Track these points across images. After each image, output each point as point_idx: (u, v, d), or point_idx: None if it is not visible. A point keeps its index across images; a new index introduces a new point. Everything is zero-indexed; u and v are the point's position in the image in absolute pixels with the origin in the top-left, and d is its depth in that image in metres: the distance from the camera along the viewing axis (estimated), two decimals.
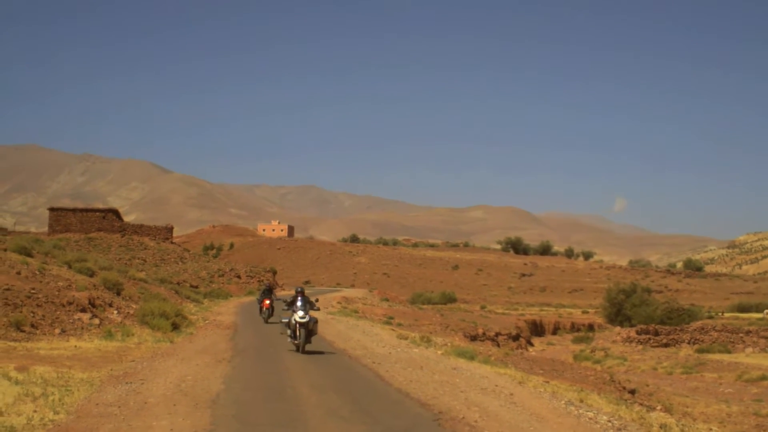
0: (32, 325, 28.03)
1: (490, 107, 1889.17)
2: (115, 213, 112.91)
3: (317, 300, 32.78)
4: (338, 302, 69.59)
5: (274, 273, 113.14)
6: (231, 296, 74.81)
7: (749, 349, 71.70)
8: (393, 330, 43.78)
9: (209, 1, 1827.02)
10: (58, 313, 30.75)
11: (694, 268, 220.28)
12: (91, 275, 43.62)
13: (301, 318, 29.55)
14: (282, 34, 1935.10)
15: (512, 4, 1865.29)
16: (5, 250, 42.48)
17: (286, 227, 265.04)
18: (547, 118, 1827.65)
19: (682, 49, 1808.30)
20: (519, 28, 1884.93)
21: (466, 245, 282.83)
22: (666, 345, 75.45)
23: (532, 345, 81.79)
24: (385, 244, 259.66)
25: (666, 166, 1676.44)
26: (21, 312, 28.44)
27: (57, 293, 33.01)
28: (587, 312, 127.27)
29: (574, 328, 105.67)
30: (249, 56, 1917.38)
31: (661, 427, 17.07)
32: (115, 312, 35.69)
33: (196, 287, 74.86)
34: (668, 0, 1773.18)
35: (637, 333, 78.28)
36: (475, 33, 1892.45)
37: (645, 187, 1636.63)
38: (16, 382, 18.16)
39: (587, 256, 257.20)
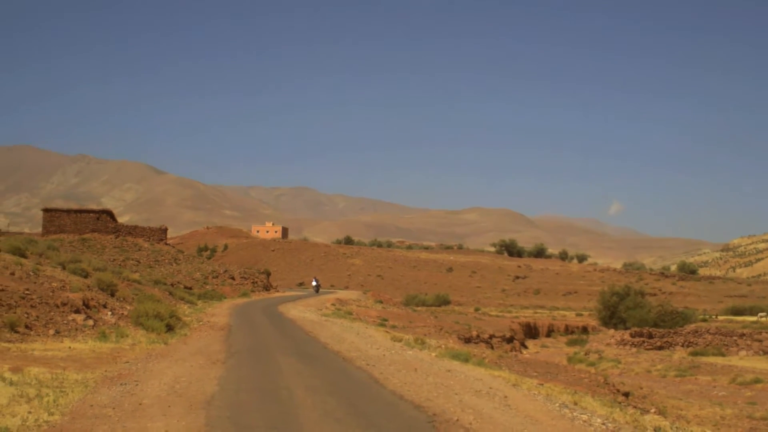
0: (26, 326, 27.99)
1: (486, 110, 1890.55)
2: (109, 214, 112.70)
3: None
4: (332, 304, 69.56)
5: (268, 275, 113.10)
6: (225, 298, 74.68)
7: (743, 352, 71.71)
8: (387, 332, 43.74)
9: (204, 3, 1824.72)
10: (52, 314, 30.72)
11: (687, 271, 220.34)
12: (86, 276, 43.60)
13: None
14: (278, 36, 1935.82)
15: (508, 6, 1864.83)
16: None
17: (280, 229, 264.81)
18: (542, 121, 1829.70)
19: (677, 52, 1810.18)
20: (515, 31, 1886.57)
21: (460, 247, 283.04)
22: (660, 348, 75.43)
23: (526, 347, 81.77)
24: (380, 246, 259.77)
25: (661, 170, 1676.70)
26: (15, 313, 28.41)
27: (51, 294, 32.98)
28: (581, 314, 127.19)
29: (568, 330, 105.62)
30: (244, 58, 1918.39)
31: (655, 430, 17.10)
32: (110, 313, 35.66)
33: (190, 289, 74.73)
34: (664, 2, 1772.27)
35: (631, 336, 78.29)
36: (471, 35, 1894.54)
37: (640, 190, 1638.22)
38: (11, 383, 18.16)
39: (581, 258, 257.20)
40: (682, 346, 76.06)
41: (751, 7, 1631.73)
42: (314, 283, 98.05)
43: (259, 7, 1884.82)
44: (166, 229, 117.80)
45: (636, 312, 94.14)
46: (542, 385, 25.46)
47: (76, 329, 30.34)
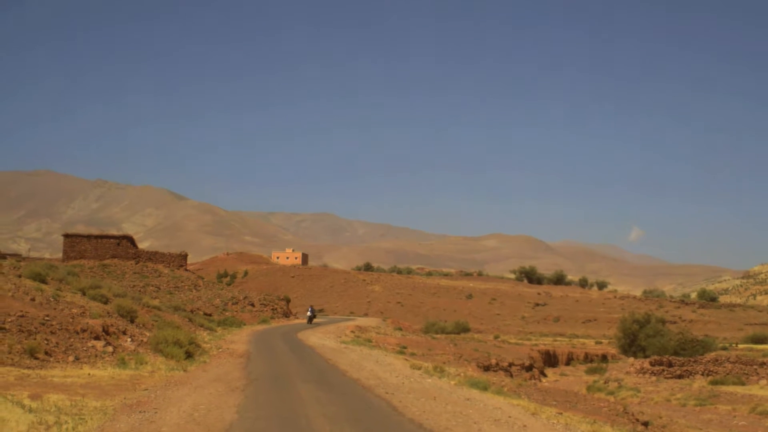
0: (46, 353, 28.07)
1: (506, 135, 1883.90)
2: (130, 240, 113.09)
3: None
4: (352, 331, 69.55)
5: (288, 301, 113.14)
6: (244, 324, 74.76)
7: (763, 381, 71.32)
8: (406, 360, 43.75)
9: (221, 23, 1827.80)
10: (71, 340, 30.81)
11: (708, 299, 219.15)
12: (105, 302, 43.74)
13: None
14: (298, 59, 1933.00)
15: (522, 28, 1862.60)
16: (20, 276, 42.66)
17: (300, 255, 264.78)
18: (562, 147, 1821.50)
19: (698, 78, 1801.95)
20: (533, 54, 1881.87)
21: (479, 274, 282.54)
22: (680, 376, 75.12)
23: (545, 376, 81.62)
24: (399, 272, 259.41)
25: (682, 196, 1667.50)
26: (35, 339, 28.51)
27: (71, 320, 33.08)
28: (601, 342, 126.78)
29: (588, 358, 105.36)
30: (265, 82, 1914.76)
31: None
32: (129, 340, 35.74)
33: (210, 315, 74.88)
34: (683, 25, 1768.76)
35: (651, 364, 77.98)
36: (487, 58, 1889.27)
37: (661, 216, 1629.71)
38: (30, 410, 18.21)
39: (601, 285, 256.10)
40: (702, 374, 75.75)
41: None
42: (309, 313, 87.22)
43: (274, 27, 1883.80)
44: (186, 255, 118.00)
45: (656, 340, 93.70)
46: (561, 414, 25.43)
47: (96, 356, 30.42)
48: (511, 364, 70.08)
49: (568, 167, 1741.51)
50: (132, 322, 41.53)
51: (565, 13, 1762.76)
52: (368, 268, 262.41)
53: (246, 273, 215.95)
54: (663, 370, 75.85)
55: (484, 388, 30.26)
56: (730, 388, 63.25)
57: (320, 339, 57.10)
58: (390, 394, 25.76)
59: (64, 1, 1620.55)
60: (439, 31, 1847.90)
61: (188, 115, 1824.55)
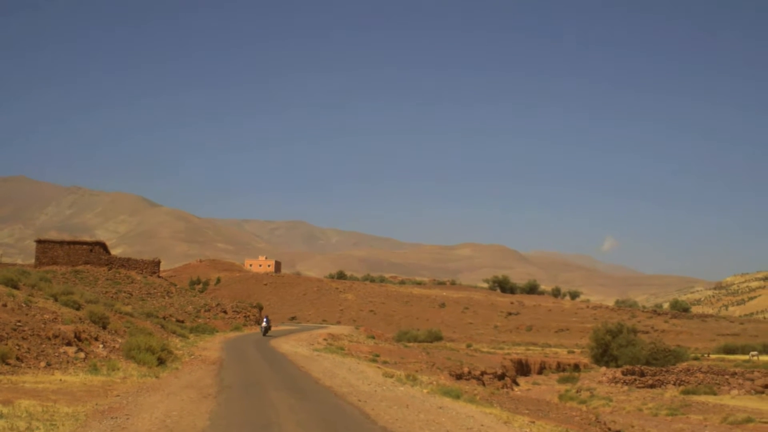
0: (17, 358, 27.93)
1: (480, 144, 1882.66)
2: (103, 246, 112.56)
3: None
4: (324, 339, 69.50)
5: (260, 309, 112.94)
6: (217, 331, 74.63)
7: (735, 391, 71.48)
8: (379, 368, 43.70)
9: (196, 34, 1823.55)
10: (43, 346, 30.67)
11: (680, 309, 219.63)
12: (78, 308, 43.54)
13: None
14: (271, 68, 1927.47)
15: (499, 37, 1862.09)
16: None
17: (273, 263, 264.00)
18: (537, 156, 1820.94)
19: (671, 86, 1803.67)
20: (506, 64, 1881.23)
21: (452, 283, 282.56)
22: (652, 386, 75.23)
23: (517, 384, 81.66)
24: (372, 281, 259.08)
25: (655, 207, 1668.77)
26: (6, 345, 28.34)
27: (43, 326, 32.92)
28: (573, 352, 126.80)
29: (560, 367, 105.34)
30: (239, 90, 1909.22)
31: None
32: (101, 346, 35.61)
33: (182, 322, 74.64)
34: (658, 33, 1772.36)
35: (623, 373, 78.08)
36: (461, 68, 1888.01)
37: (634, 227, 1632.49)
38: (1, 416, 18.13)
39: (574, 295, 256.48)
40: (674, 384, 75.93)
41: (752, 42, 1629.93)
42: (264, 324, 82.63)
43: (249, 38, 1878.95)
44: (158, 262, 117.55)
45: (628, 350, 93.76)
46: (533, 422, 25.46)
47: (68, 362, 30.29)
48: (483, 373, 70.14)
49: (544, 177, 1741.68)
50: (104, 328, 41.36)
51: (542, 18, 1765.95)
52: (341, 276, 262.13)
53: (219, 280, 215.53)
54: (635, 380, 76.00)
55: (457, 396, 30.27)
56: (702, 398, 63.41)
57: (293, 347, 57.04)
58: (362, 402, 25.76)
59: (39, 11, 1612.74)
60: (411, 37, 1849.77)
61: (163, 122, 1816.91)
